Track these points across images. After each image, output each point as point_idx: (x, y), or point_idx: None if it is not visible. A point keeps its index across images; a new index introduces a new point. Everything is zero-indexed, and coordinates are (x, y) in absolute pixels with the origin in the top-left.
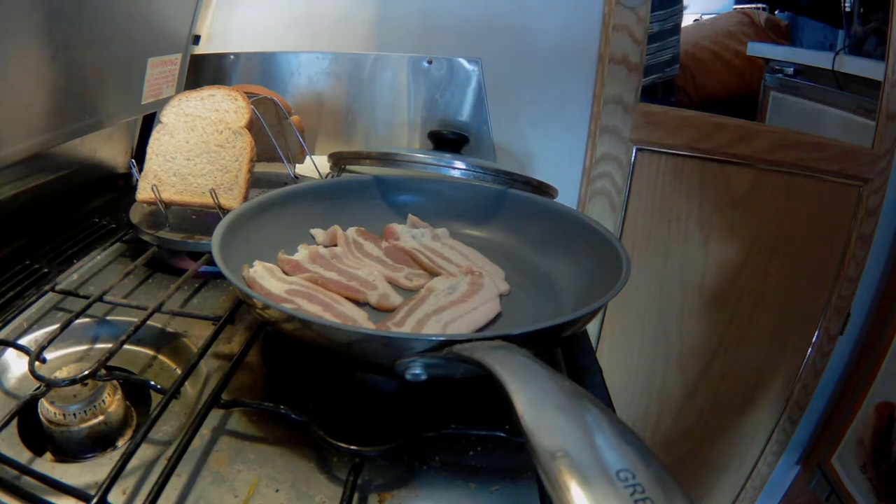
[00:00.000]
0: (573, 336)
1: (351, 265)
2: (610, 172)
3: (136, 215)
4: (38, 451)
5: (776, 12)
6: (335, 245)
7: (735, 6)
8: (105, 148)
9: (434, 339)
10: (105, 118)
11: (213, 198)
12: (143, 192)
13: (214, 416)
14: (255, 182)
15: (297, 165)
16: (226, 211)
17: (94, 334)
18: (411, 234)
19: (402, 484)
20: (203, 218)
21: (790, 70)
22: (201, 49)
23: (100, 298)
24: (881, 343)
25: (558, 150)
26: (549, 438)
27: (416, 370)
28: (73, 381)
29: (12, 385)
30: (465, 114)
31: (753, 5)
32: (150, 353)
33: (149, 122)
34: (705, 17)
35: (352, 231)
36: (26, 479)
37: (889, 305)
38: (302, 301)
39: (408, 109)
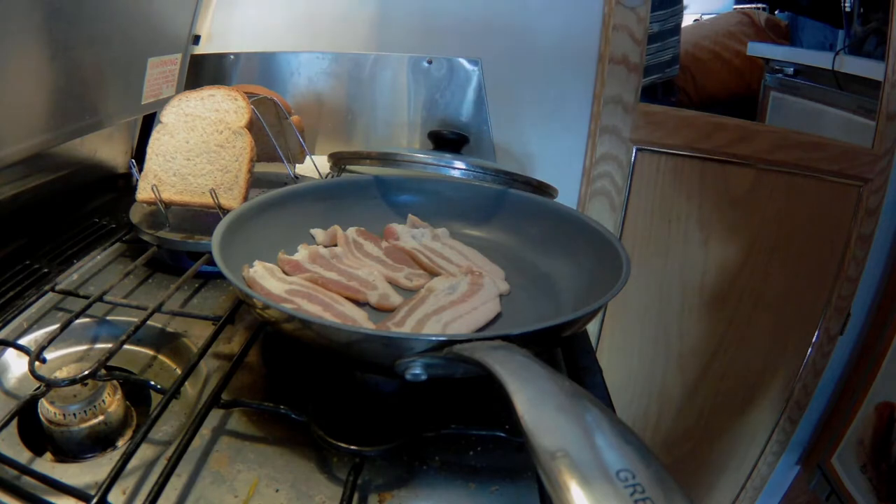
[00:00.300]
0: (573, 336)
1: (351, 265)
2: (610, 172)
3: (136, 215)
4: (38, 451)
5: (776, 12)
6: (335, 245)
7: (735, 6)
8: (105, 148)
9: (434, 339)
10: (105, 118)
11: (213, 198)
12: (143, 192)
13: (214, 416)
14: (255, 182)
15: (297, 165)
16: (226, 211)
17: (94, 334)
18: (411, 234)
19: (402, 484)
20: (203, 218)
21: (790, 70)
22: (201, 49)
23: (100, 298)
24: (881, 343)
25: (558, 150)
26: (549, 438)
27: (416, 370)
28: (73, 381)
29: (12, 385)
30: (465, 114)
31: (753, 5)
32: (150, 353)
33: (149, 122)
34: (705, 17)
35: (352, 231)
36: (26, 479)
37: (889, 305)
38: (302, 301)
39: (408, 109)
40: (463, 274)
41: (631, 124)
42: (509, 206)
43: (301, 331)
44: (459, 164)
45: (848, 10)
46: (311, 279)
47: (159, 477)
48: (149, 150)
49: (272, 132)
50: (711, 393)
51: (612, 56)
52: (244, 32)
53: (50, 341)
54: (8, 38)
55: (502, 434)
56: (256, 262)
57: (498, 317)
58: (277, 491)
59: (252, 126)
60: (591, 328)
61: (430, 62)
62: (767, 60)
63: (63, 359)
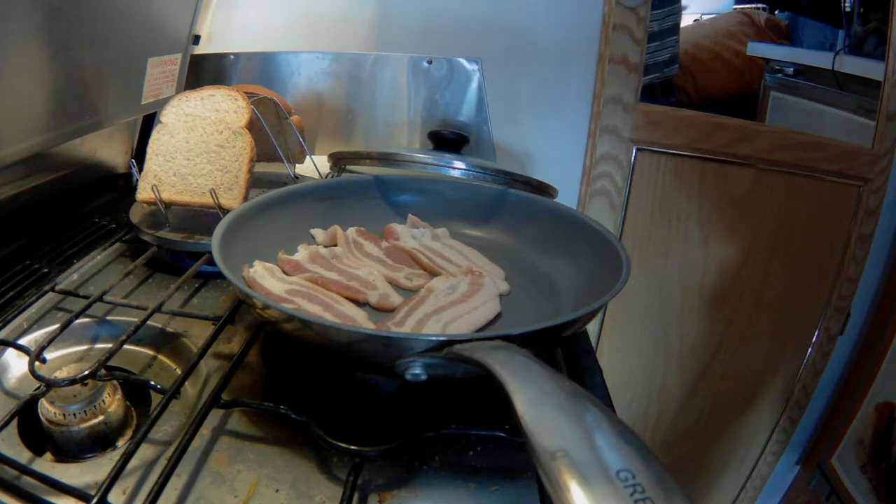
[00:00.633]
0: (573, 336)
1: (351, 265)
2: (610, 172)
3: (136, 215)
4: (38, 451)
5: (776, 12)
6: (335, 245)
7: (735, 6)
8: (105, 148)
9: (434, 339)
10: (105, 118)
11: (213, 198)
12: (143, 192)
13: (214, 416)
14: (255, 182)
15: (297, 165)
16: (226, 211)
17: (94, 334)
18: (411, 234)
19: (402, 484)
20: (203, 218)
21: (790, 70)
22: (201, 49)
23: (100, 298)
24: (881, 343)
25: (558, 150)
26: (549, 438)
27: (416, 370)
28: (73, 381)
29: (12, 385)
30: (465, 114)
31: (753, 5)
32: (150, 353)
33: (149, 122)
34: (705, 17)
35: (352, 231)
36: (26, 479)
37: (889, 305)
38: (302, 301)
39: (408, 109)
40: (463, 274)
41: (631, 124)
42: (509, 206)
43: (301, 331)
44: (459, 164)
45: (848, 10)
46: (311, 279)
47: (159, 477)
48: (149, 150)
49: (272, 132)
50: (711, 393)
51: (612, 56)
52: (244, 32)
53: (50, 341)
54: (8, 38)
55: (502, 434)
56: (256, 262)
57: (498, 317)
58: (277, 491)
59: (252, 126)
60: (591, 328)
61: (430, 62)
62: (767, 60)
63: (63, 359)
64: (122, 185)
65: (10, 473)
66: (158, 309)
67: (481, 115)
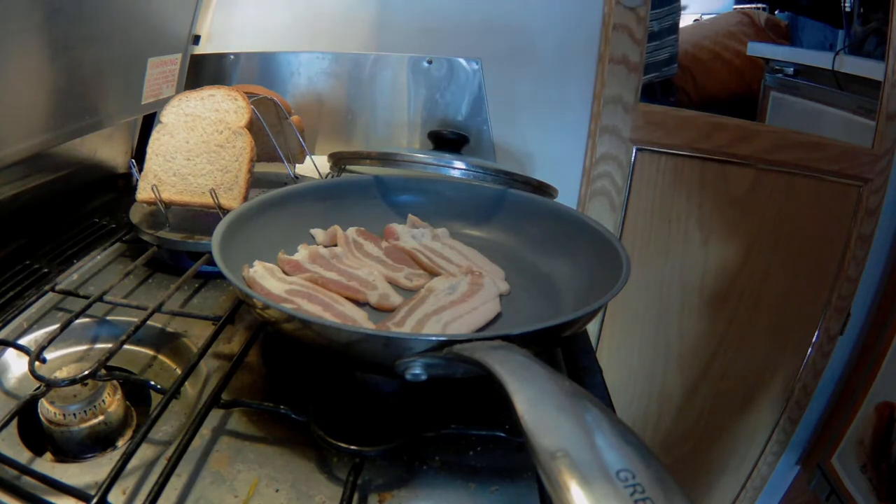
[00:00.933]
0: (573, 336)
1: (351, 265)
2: (610, 172)
3: (136, 215)
4: (38, 451)
5: (776, 12)
6: (335, 245)
7: (735, 6)
8: (105, 148)
9: (434, 339)
10: (105, 118)
11: (213, 198)
12: (143, 192)
13: (214, 416)
14: (255, 182)
15: (297, 165)
16: (226, 211)
17: (94, 334)
18: (411, 234)
19: (402, 484)
20: (203, 218)
21: (790, 70)
22: (201, 49)
23: (100, 298)
24: (881, 343)
25: (558, 150)
26: (549, 438)
27: (416, 370)
28: (73, 381)
29: (12, 385)
30: (465, 114)
31: (753, 5)
32: (150, 353)
33: (149, 122)
34: (705, 17)
35: (352, 231)
36: (26, 479)
37: (889, 305)
38: (302, 301)
39: (408, 109)
40: (463, 274)
41: (631, 124)
42: (509, 206)
43: (301, 331)
44: (459, 164)
45: (848, 10)
46: (311, 279)
47: (159, 477)
48: (149, 150)
49: (272, 132)
50: (711, 393)
51: (612, 56)
52: (244, 32)
53: (50, 341)
54: (8, 38)
55: (502, 434)
56: (256, 262)
57: (498, 317)
58: (277, 491)
59: (252, 126)
60: (591, 328)
61: (430, 62)
62: (767, 60)
63: (63, 359)
64: (122, 185)
65: (10, 473)
66: (158, 309)
67: (481, 115)
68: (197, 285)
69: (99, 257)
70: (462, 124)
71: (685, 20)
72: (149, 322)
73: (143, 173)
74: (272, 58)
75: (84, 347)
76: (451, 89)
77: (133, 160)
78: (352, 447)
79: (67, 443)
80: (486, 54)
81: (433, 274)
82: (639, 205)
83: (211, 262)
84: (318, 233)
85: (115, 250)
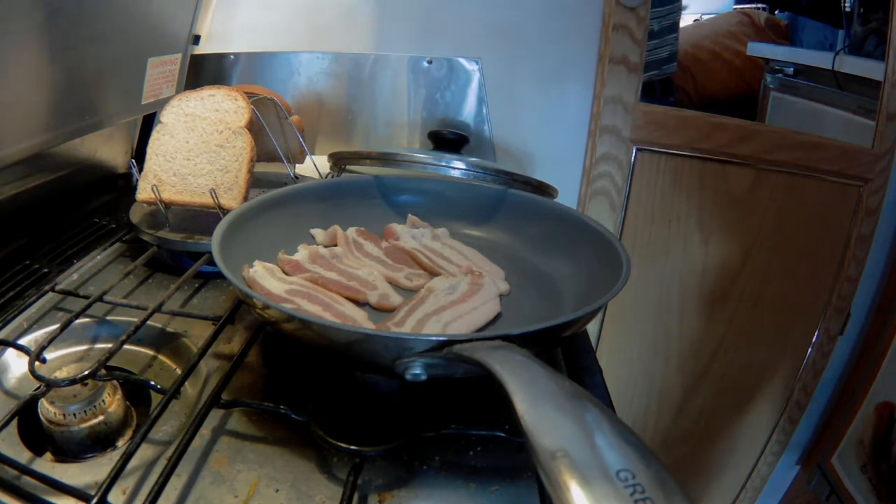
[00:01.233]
0: (573, 336)
1: (351, 265)
2: (610, 172)
3: (136, 215)
4: (38, 451)
5: (776, 12)
6: (335, 245)
7: (735, 6)
8: (105, 148)
9: (434, 339)
10: (105, 118)
11: (213, 198)
12: (143, 192)
13: (214, 416)
14: (255, 182)
15: (297, 165)
16: (226, 211)
17: (94, 334)
18: (411, 234)
19: (402, 484)
20: (203, 218)
21: (790, 70)
22: (201, 49)
23: (100, 298)
24: (881, 343)
25: (558, 150)
26: (549, 438)
27: (416, 370)
28: (73, 381)
29: (12, 385)
30: (465, 114)
31: (753, 5)
32: (150, 353)
33: (149, 122)
34: (705, 17)
35: (352, 231)
36: (26, 479)
37: (889, 305)
38: (302, 301)
39: (408, 109)
40: (463, 274)
41: (631, 124)
42: (509, 206)
43: (301, 331)
44: (459, 164)
45: (848, 10)
46: (311, 279)
47: (159, 477)
48: (149, 150)
49: (272, 132)
50: (711, 393)
51: (612, 56)
52: (244, 32)
53: (50, 341)
54: (8, 38)
55: (502, 434)
56: (256, 262)
57: (498, 317)
58: (277, 491)
59: (252, 126)
60: (591, 328)
61: (430, 62)
62: (767, 60)
63: (63, 359)
64: (122, 185)
65: (10, 473)
66: (158, 309)
67: (481, 115)
68: (197, 285)
69: (99, 257)
70: (462, 124)
71: (685, 20)
72: (149, 322)
73: (143, 173)
74: (272, 58)
75: (84, 347)
76: (451, 89)
77: (133, 160)
78: (352, 447)
79: (67, 443)
80: (486, 54)
81: (433, 274)
82: (639, 205)
83: (211, 262)
84: (318, 233)
85: (115, 250)
